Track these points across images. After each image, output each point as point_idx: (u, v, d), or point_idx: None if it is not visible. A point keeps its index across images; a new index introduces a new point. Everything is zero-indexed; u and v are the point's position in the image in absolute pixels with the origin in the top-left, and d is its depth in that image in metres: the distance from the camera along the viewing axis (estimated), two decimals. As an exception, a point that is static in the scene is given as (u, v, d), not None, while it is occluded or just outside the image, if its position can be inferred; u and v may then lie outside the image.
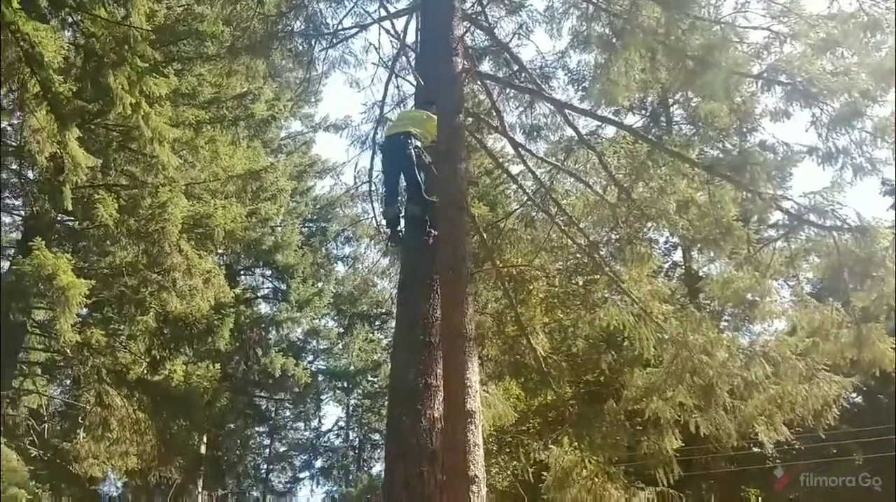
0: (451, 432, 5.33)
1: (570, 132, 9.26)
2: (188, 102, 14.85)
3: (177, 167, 13.07)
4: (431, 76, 8.00)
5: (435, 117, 7.20)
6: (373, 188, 10.56)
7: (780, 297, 8.49)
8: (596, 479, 8.28)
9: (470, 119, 8.87)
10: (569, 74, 10.29)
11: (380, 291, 23.94)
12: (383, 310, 27.83)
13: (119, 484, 25.30)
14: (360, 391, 37.63)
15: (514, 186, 10.52)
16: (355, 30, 10.07)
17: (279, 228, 24.98)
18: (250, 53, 9.54)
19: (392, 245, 10.33)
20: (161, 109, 11.39)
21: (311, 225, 29.50)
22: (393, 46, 10.30)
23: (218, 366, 18.54)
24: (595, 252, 8.39)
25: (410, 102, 10.08)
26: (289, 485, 36.70)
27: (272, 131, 23.47)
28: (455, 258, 5.99)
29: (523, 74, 9.74)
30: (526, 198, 8.86)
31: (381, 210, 8.68)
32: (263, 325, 25.87)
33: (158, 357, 16.25)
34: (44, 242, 11.60)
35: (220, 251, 19.33)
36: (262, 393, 28.67)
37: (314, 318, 29.03)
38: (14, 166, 14.16)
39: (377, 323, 31.16)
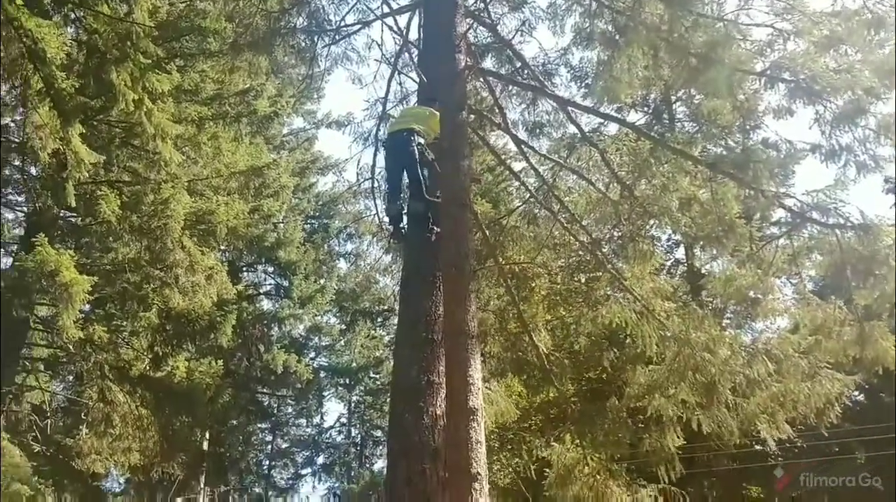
0: (454, 429, 5.34)
1: (572, 129, 9.28)
2: (191, 99, 14.84)
3: (179, 163, 13.06)
4: (434, 73, 8.00)
5: (438, 114, 7.20)
6: (375, 185, 10.56)
7: (783, 295, 8.50)
8: (598, 476, 8.28)
9: (472, 116, 8.87)
10: (571, 71, 10.26)
11: (382, 288, 24.00)
12: (385, 307, 27.85)
13: (121, 480, 25.46)
14: (362, 388, 37.69)
15: (517, 183, 10.53)
16: (358, 26, 10.06)
17: (281, 225, 24.97)
18: (253, 50, 9.54)
19: (394, 242, 10.33)
20: (163, 106, 11.40)
21: (313, 221, 29.47)
22: (395, 43, 10.30)
23: (220, 362, 18.57)
24: (597, 249, 8.38)
25: (413, 99, 10.07)
26: (291, 482, 36.76)
27: (275, 128, 23.45)
28: (458, 255, 5.99)
29: (526, 71, 9.73)
30: (528, 195, 8.85)
31: (384, 207, 8.68)
32: (266, 322, 25.87)
33: (161, 353, 16.25)
34: (47, 239, 11.60)
35: (222, 247, 19.33)
36: (265, 390, 28.70)
37: (316, 315, 29.05)
38: (17, 162, 14.15)
39: (379, 319, 31.17)
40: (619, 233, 8.38)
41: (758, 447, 16.27)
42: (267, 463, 36.19)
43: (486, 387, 8.15)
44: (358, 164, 12.03)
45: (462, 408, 5.34)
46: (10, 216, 16.55)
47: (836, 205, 6.61)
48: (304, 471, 36.80)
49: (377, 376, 35.66)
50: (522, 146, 9.07)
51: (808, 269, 8.26)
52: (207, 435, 23.71)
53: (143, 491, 24.00)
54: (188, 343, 17.49)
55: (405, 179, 7.47)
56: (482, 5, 10.07)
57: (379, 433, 36.62)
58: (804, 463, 18.35)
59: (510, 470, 15.68)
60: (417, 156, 7.13)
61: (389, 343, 30.25)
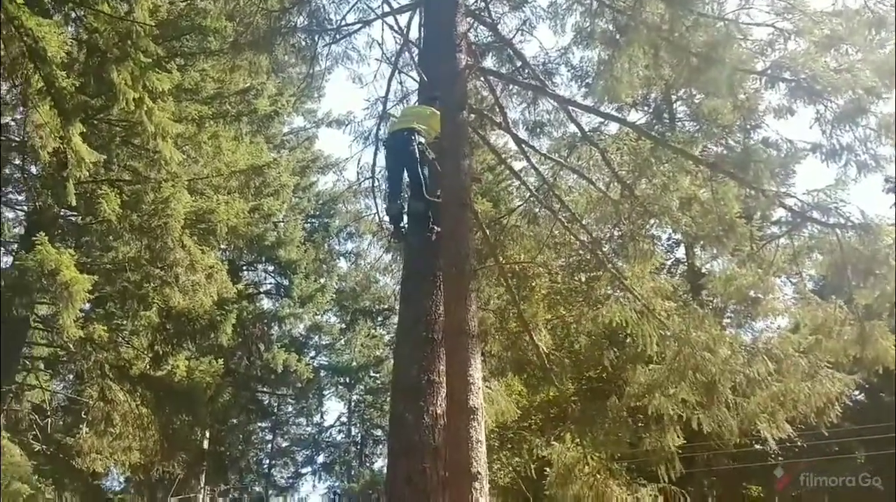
0: (454, 429, 5.34)
1: (573, 129, 9.26)
2: (191, 98, 14.84)
3: (180, 162, 13.05)
4: (434, 72, 8.00)
5: (438, 113, 7.20)
6: (376, 184, 10.56)
7: (783, 294, 8.50)
8: (598, 476, 8.28)
9: (473, 115, 8.87)
10: (572, 71, 10.27)
11: (382, 287, 24.03)
12: (385, 307, 27.86)
13: (122, 479, 25.45)
14: (362, 387, 37.71)
15: (517, 182, 10.52)
16: (358, 25, 10.07)
17: (282, 224, 24.98)
18: (253, 49, 9.54)
19: (395, 241, 10.34)
20: (164, 105, 11.40)
21: (313, 221, 29.47)
22: (396, 42, 10.30)
23: (221, 361, 18.55)
24: (598, 249, 8.38)
25: (413, 98, 10.07)
26: (291, 481, 36.78)
27: (275, 127, 23.46)
28: (458, 255, 6.00)
29: (526, 71, 9.73)
30: (529, 194, 8.85)
31: (385, 206, 8.68)
32: (266, 321, 25.87)
33: (161, 352, 16.26)
34: (47, 237, 11.60)
35: (222, 247, 19.32)
36: (265, 389, 28.71)
37: (316, 314, 29.07)
38: (17, 161, 14.15)
39: (379, 319, 31.18)
40: (620, 233, 8.38)
41: (758, 446, 16.27)
42: (267, 461, 36.20)
43: (487, 386, 8.15)
44: (358, 164, 11.99)
45: (462, 407, 5.34)
46: (11, 215, 16.58)
47: (837, 204, 6.61)
48: (304, 470, 36.87)
49: (377, 375, 35.67)
50: (523, 145, 9.08)
51: (809, 269, 8.25)
52: (207, 434, 23.71)
53: (143, 490, 24.00)
54: (188, 342, 17.50)
55: (406, 178, 7.47)
56: (483, 4, 10.08)
57: (379, 432, 36.66)
58: (804, 462, 18.36)
59: (510, 469, 15.69)
60: (418, 156, 7.13)
61: (389, 342, 30.27)
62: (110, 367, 14.82)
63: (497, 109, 9.29)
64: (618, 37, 7.97)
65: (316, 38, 9.94)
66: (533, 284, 8.91)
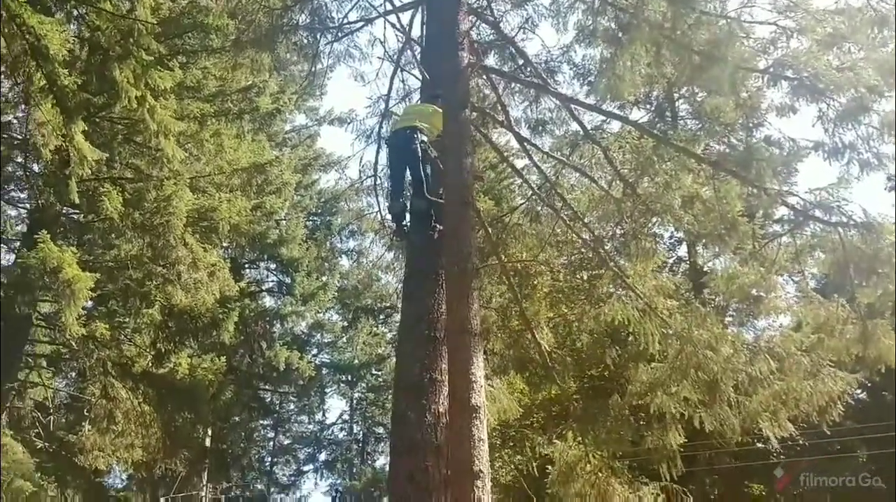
0: (456, 427, 5.35)
1: (575, 127, 9.26)
2: (193, 95, 14.84)
3: (182, 160, 13.05)
4: (437, 70, 8.00)
5: (441, 111, 7.20)
6: (378, 182, 10.57)
7: (785, 293, 8.48)
8: (600, 474, 8.30)
9: (475, 113, 8.87)
10: (574, 69, 10.26)
11: (384, 285, 24.03)
12: (388, 304, 27.87)
13: (124, 476, 25.48)
14: (364, 384, 37.68)
15: (520, 181, 10.52)
16: (360, 23, 10.07)
17: (284, 222, 24.97)
18: (255, 47, 9.56)
19: (397, 239, 10.34)
20: (166, 103, 11.40)
21: (315, 218, 29.47)
22: (398, 40, 10.31)
23: (223, 359, 18.56)
24: (600, 247, 8.39)
25: (416, 96, 10.08)
26: (293, 478, 36.77)
27: (277, 124, 23.44)
28: (460, 253, 6.00)
29: (529, 69, 9.73)
30: (531, 192, 8.85)
31: (387, 204, 8.68)
32: (268, 319, 25.87)
33: (163, 350, 16.28)
34: (49, 235, 11.60)
35: (224, 244, 19.31)
36: (267, 387, 28.69)
37: (318, 312, 29.03)
38: (20, 159, 14.16)
39: (381, 317, 31.18)
40: (622, 231, 8.38)
41: (760, 445, 16.26)
42: (269, 459, 36.23)
43: (489, 385, 8.15)
44: (360, 162, 12.09)
45: (464, 406, 5.35)
46: (13, 213, 16.59)
47: (839, 203, 6.61)
48: (305, 468, 36.85)
49: (379, 373, 35.65)
50: (525, 143, 9.08)
51: (811, 267, 8.25)
52: (210, 432, 23.71)
53: (145, 488, 23.98)
54: (190, 340, 17.52)
55: (408, 177, 7.47)
56: (485, 2, 10.08)
57: (381, 430, 36.65)
58: (806, 460, 18.34)
59: (512, 467, 15.71)
60: (420, 154, 7.13)
61: (391, 340, 30.27)
62: (113, 365, 14.84)
63: (499, 107, 9.30)
64: (620, 35, 7.97)
65: (318, 36, 9.95)
66: (535, 282, 8.91)
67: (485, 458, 5.31)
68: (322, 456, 36.92)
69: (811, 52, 6.90)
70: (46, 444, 15.29)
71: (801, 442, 14.87)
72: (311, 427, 37.89)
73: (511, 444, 15.82)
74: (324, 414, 38.13)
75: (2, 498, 11.87)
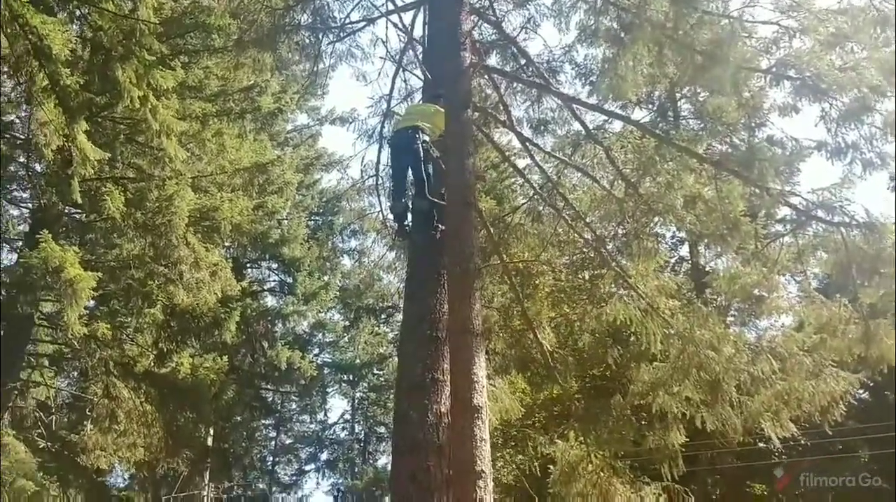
0: (458, 427, 5.35)
1: (577, 126, 9.28)
2: (195, 95, 14.84)
3: (184, 160, 13.07)
4: (439, 70, 8.01)
5: (443, 111, 7.20)
6: (380, 182, 10.57)
7: (788, 293, 8.49)
8: (602, 474, 8.30)
9: (477, 113, 8.87)
10: (576, 69, 10.26)
11: (386, 285, 23.94)
12: (389, 304, 27.82)
13: (126, 475, 25.49)
14: (365, 384, 37.67)
15: (521, 181, 10.53)
16: (362, 23, 10.08)
17: (285, 221, 24.98)
18: (257, 46, 9.55)
19: (399, 239, 10.34)
20: (168, 102, 11.40)
21: (317, 218, 29.47)
22: (400, 40, 10.34)
23: (225, 358, 18.57)
24: (602, 247, 8.38)
25: (418, 96, 10.08)
26: (294, 478, 36.77)
27: (279, 124, 23.44)
28: (462, 254, 6.01)
29: (531, 69, 9.74)
30: (533, 192, 8.86)
31: (389, 204, 8.69)
32: (270, 318, 25.87)
33: (165, 349, 16.29)
34: (51, 235, 11.61)
35: (226, 244, 19.32)
36: (269, 386, 28.69)
37: (320, 312, 29.02)
38: (22, 159, 14.18)
39: (383, 316, 31.14)
40: (624, 231, 8.38)
41: (762, 445, 16.24)
42: (271, 459, 36.24)
43: (491, 384, 8.15)
44: (362, 161, 12.06)
45: (466, 406, 5.35)
46: (15, 212, 16.61)
47: (842, 203, 6.60)
48: (307, 467, 36.84)
49: (381, 372, 35.65)
50: (527, 143, 9.07)
51: (813, 267, 8.25)
52: (212, 432, 23.70)
53: (147, 487, 23.98)
54: (192, 339, 17.55)
55: (410, 176, 7.47)
56: (487, 2, 10.07)
57: (382, 429, 36.64)
58: (808, 460, 18.32)
59: (514, 466, 15.68)
60: (422, 154, 7.14)
61: (393, 340, 30.27)
62: (115, 364, 14.85)
63: (501, 107, 9.29)
64: (622, 35, 7.95)
65: (320, 36, 9.95)
66: (537, 282, 8.92)
67: (487, 458, 5.31)
68: (324, 456, 36.95)
69: (814, 52, 6.89)
70: (48, 444, 15.29)
71: (803, 442, 14.88)
72: (312, 426, 37.91)
73: (513, 444, 15.80)
74: (325, 414, 38.17)
75: (4, 497, 11.88)
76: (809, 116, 7.06)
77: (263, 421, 33.63)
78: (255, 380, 26.76)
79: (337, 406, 48.76)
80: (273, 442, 36.48)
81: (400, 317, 7.61)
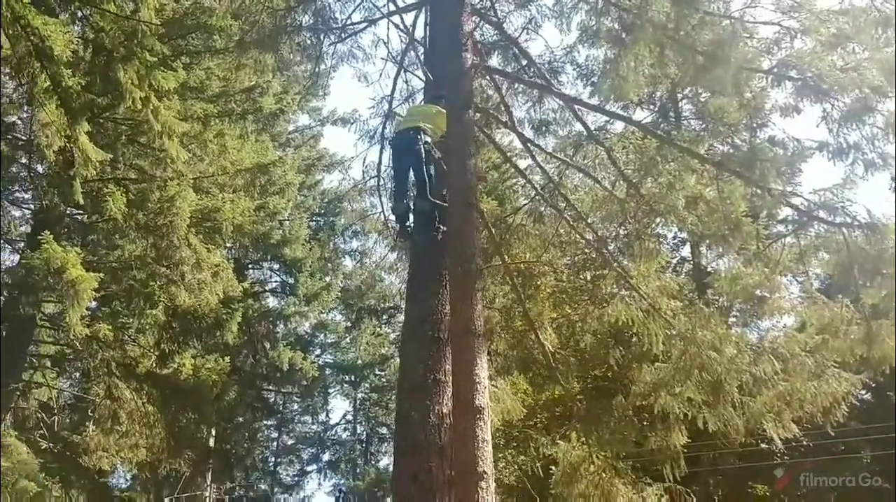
0: (460, 428, 5.35)
1: (578, 127, 9.27)
2: (196, 96, 14.85)
3: (185, 161, 13.08)
4: (440, 71, 8.02)
5: (444, 112, 7.21)
6: (381, 183, 10.57)
7: (789, 293, 8.51)
8: (604, 474, 8.28)
9: (479, 114, 8.87)
10: (578, 69, 10.24)
11: (387, 286, 23.96)
12: (391, 305, 27.85)
13: (128, 476, 25.53)
14: (367, 385, 37.68)
15: (523, 181, 10.52)
16: (364, 24, 10.09)
17: (287, 222, 24.99)
18: (259, 47, 9.56)
19: (400, 240, 10.34)
20: (170, 103, 11.41)
21: (318, 219, 29.48)
22: (402, 41, 10.36)
23: (226, 359, 18.60)
24: (603, 247, 8.38)
25: (419, 97, 10.09)
26: (296, 478, 36.77)
27: (280, 125, 23.46)
28: (464, 254, 6.01)
29: (532, 69, 9.73)
30: (534, 193, 8.85)
31: (390, 205, 8.69)
32: (271, 319, 25.88)
33: (167, 350, 16.30)
34: (53, 236, 11.62)
35: (228, 245, 19.35)
36: (271, 387, 28.72)
37: (322, 312, 29.02)
38: (24, 160, 14.19)
39: (385, 317, 31.17)
40: (626, 231, 8.37)
41: (764, 446, 16.22)
42: (272, 460, 36.23)
43: (492, 385, 8.15)
44: (364, 162, 12.12)
45: (468, 407, 5.35)
46: (17, 213, 16.62)
47: (844, 203, 6.59)
48: (309, 468, 36.84)
49: (382, 373, 35.66)
50: (528, 144, 9.07)
51: (815, 268, 8.24)
52: (213, 432, 23.72)
53: (149, 488, 24.00)
54: (194, 340, 17.53)
55: (411, 178, 7.48)
56: (488, 3, 10.08)
57: (384, 430, 36.64)
58: (810, 461, 18.30)
59: (516, 467, 15.68)
60: (424, 155, 7.14)
61: (395, 340, 30.28)
62: (117, 365, 14.85)
63: (503, 108, 9.29)
64: (623, 35, 7.95)
65: (321, 37, 9.95)
66: (538, 283, 8.91)
67: (488, 459, 5.31)
68: (325, 457, 36.96)
69: (815, 53, 6.89)
70: (51, 445, 15.29)
71: (805, 442, 14.86)
72: (314, 427, 37.91)
73: (515, 445, 15.79)
74: (327, 415, 38.17)
75: (6, 498, 11.89)
76: (811, 117, 7.08)
77: (265, 422, 33.66)
78: (257, 381, 26.79)
79: (339, 407, 48.82)
80: (275, 443, 36.48)
81: (401, 317, 7.62)
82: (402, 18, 10.08)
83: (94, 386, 15.31)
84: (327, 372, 34.40)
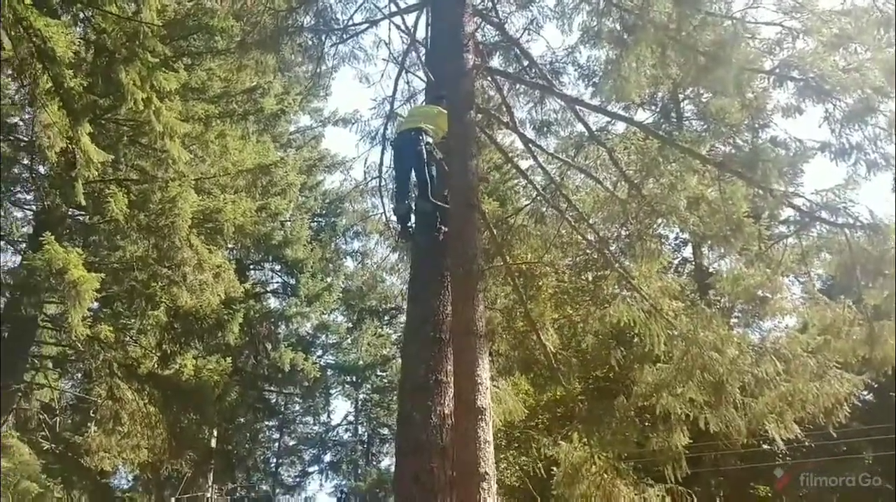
0: (462, 428, 5.35)
1: (580, 128, 9.26)
2: (198, 97, 14.88)
3: (187, 162, 13.10)
4: (441, 72, 8.02)
5: (446, 112, 7.21)
6: (382, 184, 10.57)
7: (791, 294, 8.48)
8: (605, 475, 8.27)
9: (480, 115, 8.86)
10: (579, 70, 10.23)
11: (389, 287, 23.97)
12: (392, 306, 27.85)
13: (130, 477, 25.52)
14: (368, 385, 37.67)
15: (524, 182, 10.52)
16: (365, 25, 10.09)
17: (289, 223, 25.00)
18: (260, 48, 9.56)
19: (402, 241, 10.34)
20: (171, 104, 11.43)
21: (320, 220, 29.48)
22: (403, 42, 10.34)
23: (228, 360, 18.58)
24: (605, 248, 8.37)
25: (421, 98, 10.09)
26: (298, 479, 36.75)
27: (281, 126, 23.49)
28: (466, 255, 6.01)
29: (534, 70, 9.73)
30: (536, 193, 8.84)
31: (392, 206, 8.69)
32: (273, 320, 25.86)
33: (169, 351, 16.32)
34: (55, 237, 11.64)
35: (229, 246, 19.37)
36: (272, 388, 28.71)
37: (323, 313, 29.00)
38: (26, 161, 14.20)
39: (386, 318, 31.17)
40: (627, 232, 8.36)
41: (766, 446, 16.20)
42: (274, 460, 36.20)
43: (494, 386, 8.14)
44: (365, 163, 12.01)
45: (470, 407, 5.35)
46: (19, 214, 16.63)
47: (846, 204, 6.58)
48: (311, 469, 36.81)
49: (384, 374, 35.65)
50: (530, 145, 9.07)
51: (817, 269, 8.23)
52: (215, 433, 23.72)
53: (151, 489, 24.00)
54: (196, 341, 17.56)
55: (413, 178, 7.47)
56: (490, 4, 10.07)
57: (386, 431, 36.62)
58: (812, 462, 18.28)
59: (518, 468, 15.67)
60: (425, 156, 7.14)
61: (396, 341, 30.27)
62: (118, 366, 14.86)
63: (504, 109, 9.29)
64: (625, 36, 7.95)
65: (323, 38, 9.95)
66: (540, 284, 8.90)
67: (490, 460, 5.30)
68: (327, 457, 36.94)
69: (817, 53, 6.88)
70: (52, 445, 15.30)
71: (807, 443, 14.84)
72: (316, 428, 37.89)
73: (516, 445, 15.80)
74: (329, 416, 38.15)
75: (8, 499, 11.90)
76: (813, 117, 7.05)
77: (267, 423, 33.65)
78: (259, 382, 26.77)
79: (340, 407, 48.94)
80: (276, 444, 36.46)
81: (403, 318, 7.61)
82: (403, 19, 10.10)
83: (95, 387, 15.32)
84: (329, 373, 34.39)
